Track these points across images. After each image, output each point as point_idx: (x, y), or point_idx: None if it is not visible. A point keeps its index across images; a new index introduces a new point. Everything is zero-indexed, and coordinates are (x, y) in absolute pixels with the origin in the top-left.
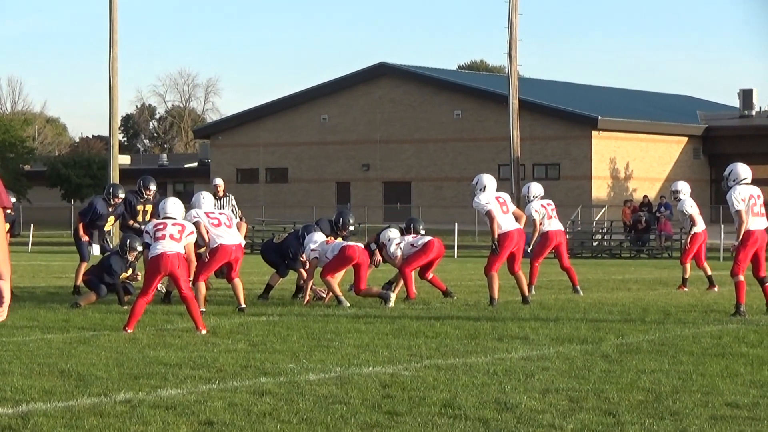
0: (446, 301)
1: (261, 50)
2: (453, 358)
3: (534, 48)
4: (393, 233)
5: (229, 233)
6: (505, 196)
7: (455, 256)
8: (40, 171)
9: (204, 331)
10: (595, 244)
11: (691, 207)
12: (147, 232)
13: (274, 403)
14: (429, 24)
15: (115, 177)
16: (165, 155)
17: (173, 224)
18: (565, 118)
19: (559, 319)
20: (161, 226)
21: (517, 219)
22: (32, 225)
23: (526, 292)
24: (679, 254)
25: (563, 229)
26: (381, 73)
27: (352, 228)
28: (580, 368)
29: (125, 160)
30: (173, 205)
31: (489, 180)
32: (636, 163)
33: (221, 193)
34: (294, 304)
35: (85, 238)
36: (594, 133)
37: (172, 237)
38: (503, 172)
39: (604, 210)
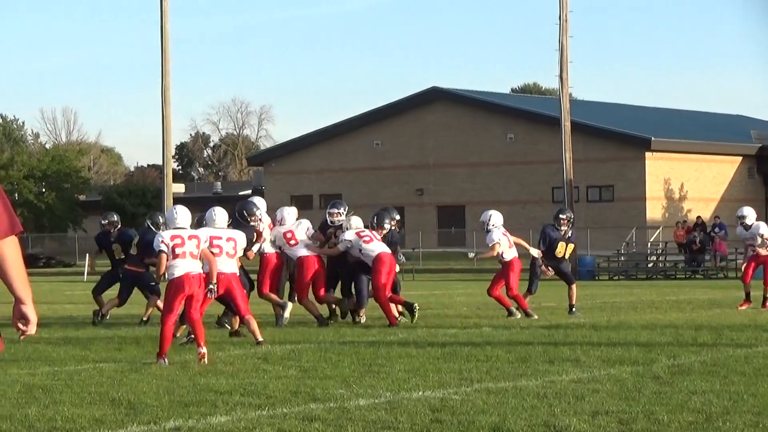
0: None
1: (313, 77)
2: (503, 381)
3: (586, 69)
4: (355, 221)
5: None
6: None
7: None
8: (96, 200)
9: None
10: (650, 265)
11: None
12: (164, 242)
13: (323, 429)
14: (481, 48)
15: (168, 205)
16: (219, 183)
17: (189, 237)
18: (619, 140)
19: (610, 341)
20: (179, 242)
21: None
22: (87, 254)
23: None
24: (734, 274)
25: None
26: (433, 97)
27: (387, 227)
28: (631, 390)
29: (180, 188)
30: (184, 214)
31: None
32: (690, 184)
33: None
34: (347, 330)
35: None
36: (648, 154)
37: (192, 255)
38: (556, 194)
39: (658, 231)
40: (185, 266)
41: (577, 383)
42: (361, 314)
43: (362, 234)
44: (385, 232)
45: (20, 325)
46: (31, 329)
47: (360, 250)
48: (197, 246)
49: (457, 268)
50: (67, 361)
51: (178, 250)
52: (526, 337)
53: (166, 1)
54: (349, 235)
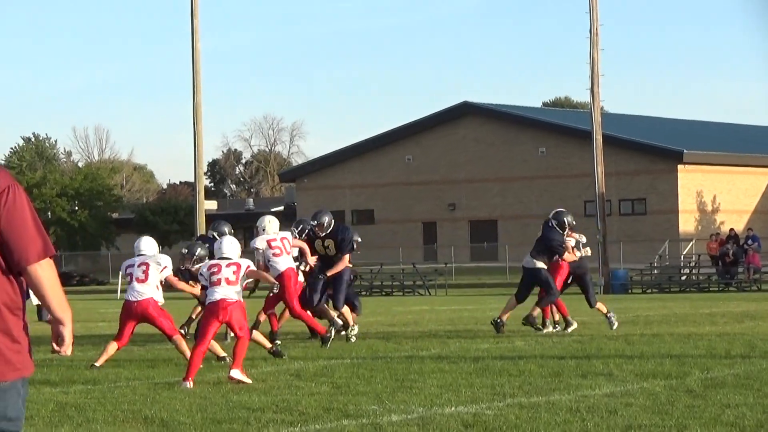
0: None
1: (344, 93)
2: (536, 396)
3: (617, 83)
4: (272, 227)
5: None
6: None
7: None
8: (129, 218)
9: (238, 375)
10: (683, 278)
11: None
12: (201, 275)
13: None
14: (512, 62)
15: (201, 223)
16: (251, 199)
17: (227, 265)
18: (651, 153)
19: (643, 355)
20: (216, 269)
21: None
22: (120, 272)
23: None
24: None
25: None
26: (464, 112)
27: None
28: (664, 404)
29: (212, 205)
30: (229, 245)
31: None
32: (723, 196)
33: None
34: (379, 345)
35: None
36: (680, 166)
37: (228, 281)
38: (589, 208)
39: (691, 244)
40: (222, 292)
41: (610, 397)
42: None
43: (273, 244)
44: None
45: (55, 346)
46: (66, 351)
47: (267, 260)
48: (235, 272)
49: (489, 282)
50: (100, 380)
51: (213, 278)
52: (559, 351)
53: (197, 19)
54: (259, 243)
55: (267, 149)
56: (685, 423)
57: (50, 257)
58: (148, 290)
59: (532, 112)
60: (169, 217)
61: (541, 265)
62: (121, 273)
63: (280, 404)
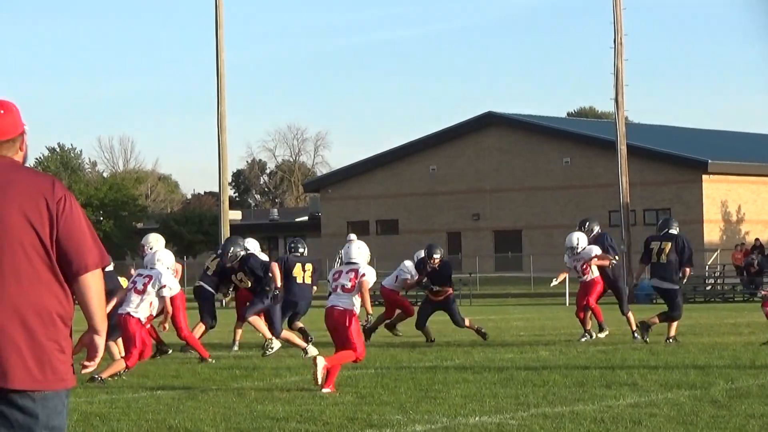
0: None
1: (368, 103)
2: (560, 406)
3: (642, 93)
4: (158, 243)
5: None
6: None
7: (566, 304)
8: (153, 228)
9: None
10: (707, 288)
11: None
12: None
13: None
14: (536, 72)
15: (225, 233)
16: (276, 210)
17: (347, 272)
18: (675, 163)
19: (668, 365)
20: (336, 275)
21: None
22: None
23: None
24: None
25: None
26: (488, 122)
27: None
28: (688, 414)
29: (236, 215)
30: (357, 250)
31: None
32: (747, 206)
33: None
34: (403, 355)
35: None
36: (705, 176)
37: (343, 288)
38: (613, 218)
39: (716, 254)
40: (333, 299)
41: (634, 408)
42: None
43: (171, 267)
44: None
45: (86, 363)
46: (95, 365)
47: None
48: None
49: (514, 292)
50: (124, 389)
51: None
52: (583, 362)
53: (222, 29)
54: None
55: (291, 159)
56: None
57: (103, 268)
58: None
59: (557, 122)
60: (194, 227)
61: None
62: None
63: (305, 414)
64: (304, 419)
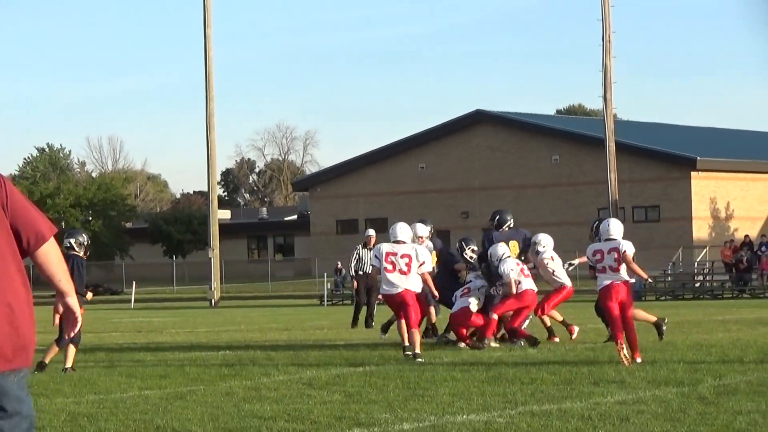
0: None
1: (357, 102)
2: (548, 403)
3: (630, 90)
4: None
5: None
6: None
7: None
8: (142, 228)
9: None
10: (696, 285)
11: None
12: (377, 257)
13: None
14: (525, 70)
15: (214, 232)
16: (265, 209)
17: (402, 255)
18: (664, 160)
19: (656, 362)
20: (393, 256)
21: None
22: (134, 282)
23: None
24: None
25: None
26: (477, 120)
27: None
28: (676, 411)
29: (225, 214)
30: (402, 229)
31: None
32: (736, 203)
33: (371, 245)
34: (392, 353)
35: None
36: (693, 173)
37: (401, 271)
38: (602, 215)
39: (705, 251)
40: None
41: (622, 405)
42: None
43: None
44: None
45: (70, 330)
46: (77, 324)
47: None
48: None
49: None
50: (112, 389)
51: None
52: (571, 359)
53: (210, 28)
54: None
55: (280, 158)
56: (697, 430)
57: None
58: None
59: (545, 119)
60: (183, 226)
61: None
62: None
63: (292, 413)
64: (291, 418)
